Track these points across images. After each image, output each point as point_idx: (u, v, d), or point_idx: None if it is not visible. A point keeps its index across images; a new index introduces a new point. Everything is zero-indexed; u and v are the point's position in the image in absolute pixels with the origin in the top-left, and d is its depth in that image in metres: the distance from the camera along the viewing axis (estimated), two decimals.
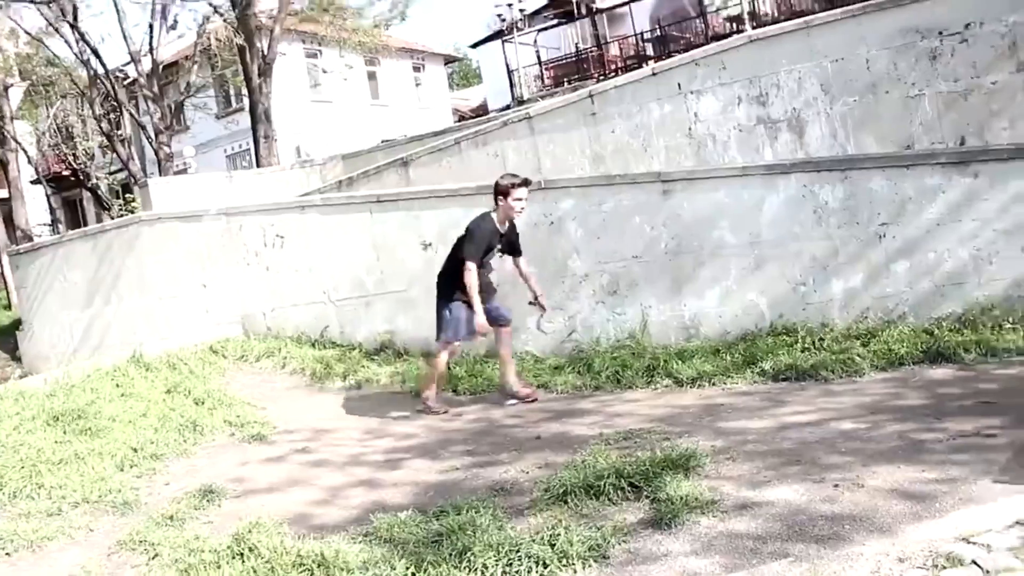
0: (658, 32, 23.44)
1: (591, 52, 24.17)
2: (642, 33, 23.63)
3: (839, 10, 9.06)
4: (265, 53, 18.62)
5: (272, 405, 7.38)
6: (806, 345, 6.56)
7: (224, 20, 20.28)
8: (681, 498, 4.11)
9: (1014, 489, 3.79)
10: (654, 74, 9.79)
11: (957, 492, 3.86)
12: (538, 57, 24.40)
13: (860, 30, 8.77)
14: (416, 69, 35.84)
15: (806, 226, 6.82)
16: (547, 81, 23.82)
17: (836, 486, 4.12)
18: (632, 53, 23.04)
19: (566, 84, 22.54)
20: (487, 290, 6.83)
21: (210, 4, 20.27)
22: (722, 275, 7.11)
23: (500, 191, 6.69)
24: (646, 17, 24.64)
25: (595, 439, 5.46)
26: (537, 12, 27.45)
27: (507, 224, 6.77)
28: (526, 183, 6.73)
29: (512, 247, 6.91)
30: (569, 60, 24.55)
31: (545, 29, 25.62)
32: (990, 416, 4.84)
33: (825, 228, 6.77)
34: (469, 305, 6.66)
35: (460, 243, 6.80)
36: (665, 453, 4.69)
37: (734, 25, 21.14)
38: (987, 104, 8.21)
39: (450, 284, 6.77)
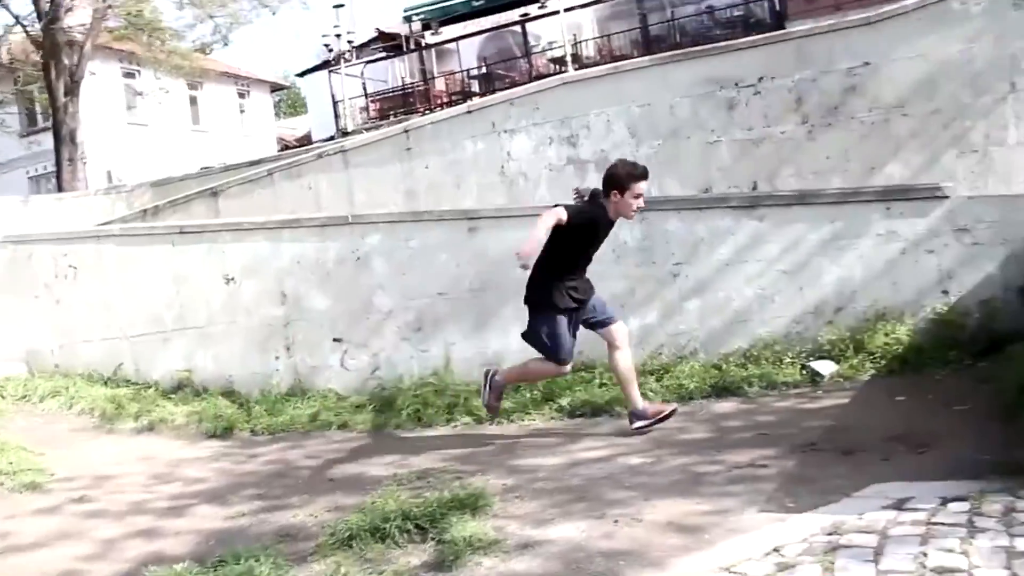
0: (484, 70, 23.83)
1: (417, 87, 24.26)
2: (468, 70, 23.97)
3: (647, 58, 9.47)
4: (73, 70, 17.71)
5: (53, 450, 6.87)
6: (604, 381, 6.70)
7: (27, 33, 19.16)
8: (465, 539, 4.08)
9: (775, 517, 3.97)
10: (469, 112, 9.91)
11: (726, 523, 4.01)
12: (364, 89, 24.31)
13: (666, 78, 9.17)
14: (241, 95, 35.01)
15: (605, 264, 6.93)
16: (372, 114, 23.74)
17: (616, 522, 4.20)
18: (458, 89, 23.29)
19: (392, 117, 22.50)
20: (584, 287, 5.71)
21: (12, 14, 19.16)
22: (525, 313, 7.15)
23: (615, 183, 5.44)
24: (474, 55, 25.04)
25: (389, 479, 5.39)
26: (366, 44, 27.34)
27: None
28: (646, 174, 5.57)
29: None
30: (395, 93, 24.57)
31: (373, 61, 25.57)
32: (765, 447, 5.08)
33: (623, 267, 6.98)
34: (566, 316, 5.62)
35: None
36: (453, 493, 4.67)
37: (557, 66, 21.71)
38: (777, 152, 8.73)
39: (541, 290, 5.63)
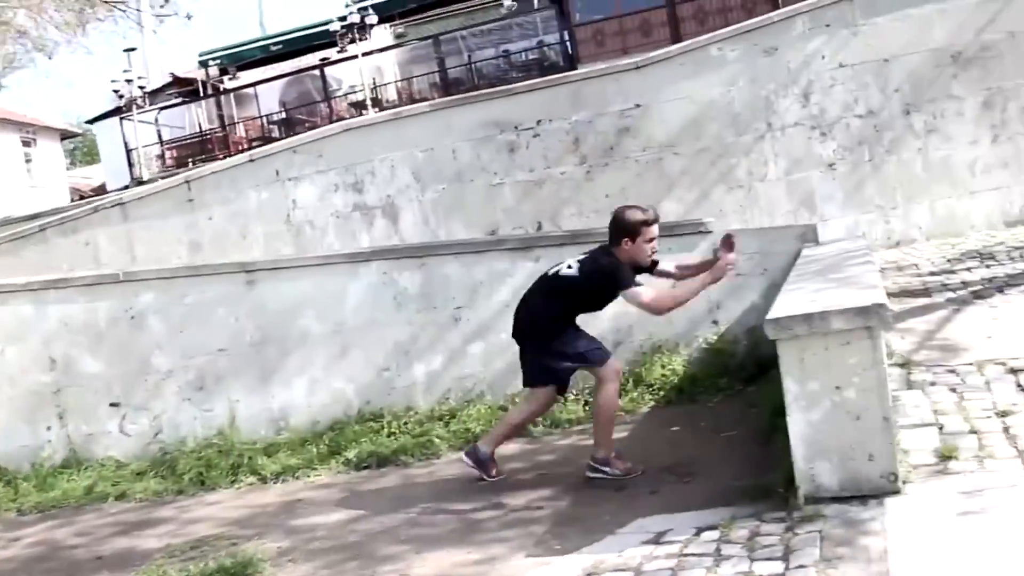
0: (284, 115, 23.50)
1: (216, 133, 23.61)
2: (269, 115, 23.57)
3: (427, 103, 9.62)
4: None
5: None
6: (392, 430, 6.63)
7: None
8: None
9: (541, 561, 4.00)
10: (252, 160, 9.70)
11: (494, 571, 4.01)
12: (159, 136, 23.45)
13: (447, 122, 9.29)
14: (26, 143, 32.80)
15: (388, 312, 6.97)
16: (169, 162, 22.93)
17: None
18: (258, 135, 22.83)
19: (190, 165, 21.80)
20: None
21: None
22: (309, 364, 7.04)
23: (627, 230, 5.03)
24: (275, 99, 24.64)
25: (161, 552, 5.11)
26: (160, 89, 26.42)
27: None
28: (658, 217, 5.17)
29: (643, 270, 5.22)
30: (193, 140, 23.82)
31: (168, 107, 24.73)
32: (543, 488, 5.14)
33: (406, 313, 6.95)
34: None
35: (585, 278, 5.07)
36: (220, 563, 4.46)
37: (358, 110, 21.66)
38: (558, 192, 8.99)
39: (549, 333, 5.20)
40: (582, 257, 5.25)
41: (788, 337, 3.84)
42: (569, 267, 5.19)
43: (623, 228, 5.07)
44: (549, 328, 5.21)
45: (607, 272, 5.02)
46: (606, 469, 5.10)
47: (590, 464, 5.18)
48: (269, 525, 5.33)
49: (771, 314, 3.99)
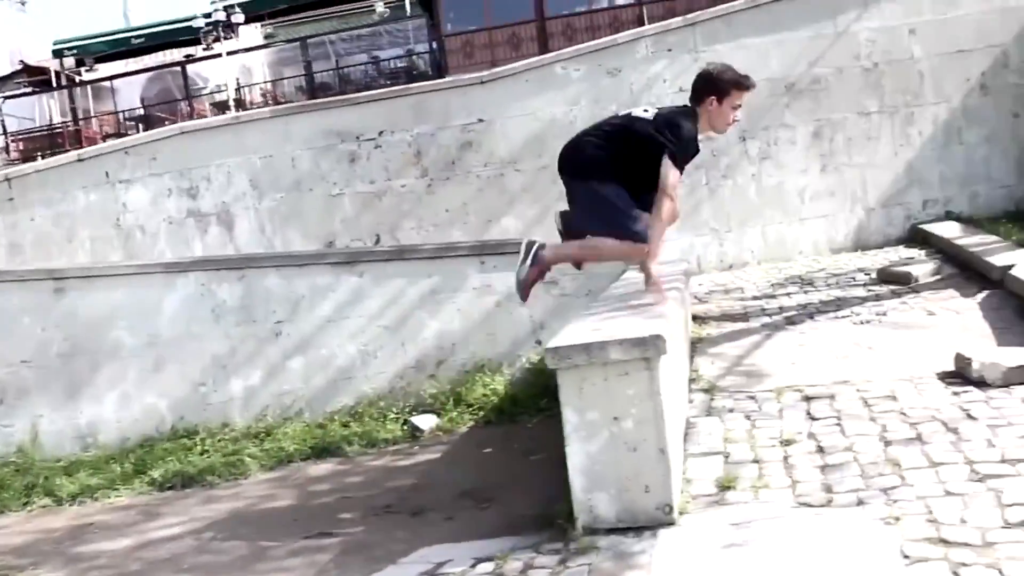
0: (143, 112, 22.65)
1: (68, 127, 22.56)
2: (126, 111, 22.67)
3: (268, 109, 9.35)
4: None
5: None
6: (204, 448, 6.42)
7: None
8: None
9: None
10: (80, 160, 9.25)
11: None
12: (3, 127, 22.24)
13: (287, 129, 9.07)
14: None
15: (205, 325, 6.76)
16: (15, 155, 21.71)
17: None
18: (114, 131, 21.91)
19: (39, 159, 20.75)
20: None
21: None
22: (120, 378, 6.78)
23: (715, 87, 4.41)
24: (136, 95, 23.73)
25: None
26: (8, 77, 25.11)
27: None
28: (754, 87, 4.56)
29: None
30: (42, 133, 22.66)
31: (15, 96, 23.51)
32: (343, 512, 5.03)
33: (224, 327, 6.76)
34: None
35: (656, 130, 4.40)
36: None
37: (221, 111, 21.06)
38: (399, 205, 8.88)
39: (627, 175, 4.47)
40: (661, 106, 4.78)
41: (567, 367, 3.81)
42: (645, 111, 4.64)
43: (713, 85, 4.46)
44: (600, 169, 4.53)
45: (681, 126, 4.39)
46: (527, 265, 4.68)
47: (530, 243, 4.78)
48: (51, 553, 5.05)
49: (552, 342, 3.96)
